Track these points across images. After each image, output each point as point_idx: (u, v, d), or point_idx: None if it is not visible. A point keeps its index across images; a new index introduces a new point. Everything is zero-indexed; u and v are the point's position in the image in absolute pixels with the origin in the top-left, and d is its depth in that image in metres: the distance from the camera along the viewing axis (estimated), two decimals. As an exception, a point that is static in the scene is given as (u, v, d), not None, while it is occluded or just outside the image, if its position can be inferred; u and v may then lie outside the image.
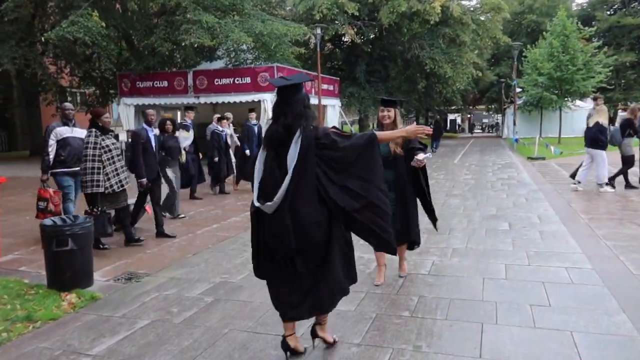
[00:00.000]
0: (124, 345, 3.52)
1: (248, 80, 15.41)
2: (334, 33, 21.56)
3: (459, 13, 22.06)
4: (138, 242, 6.33)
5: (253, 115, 11.17)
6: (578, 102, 29.01)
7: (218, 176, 10.57)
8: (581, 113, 31.07)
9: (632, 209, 7.97)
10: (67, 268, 4.66)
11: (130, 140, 6.86)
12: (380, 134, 3.00)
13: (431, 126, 28.52)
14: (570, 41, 25.25)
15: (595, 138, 9.38)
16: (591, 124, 9.54)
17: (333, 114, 19.70)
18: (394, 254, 3.26)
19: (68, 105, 6.61)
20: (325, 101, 18.63)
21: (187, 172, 9.30)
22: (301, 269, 2.92)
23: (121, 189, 6.00)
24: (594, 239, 6.09)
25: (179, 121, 11.56)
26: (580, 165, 10.10)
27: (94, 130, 5.86)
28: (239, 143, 11.09)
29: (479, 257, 5.40)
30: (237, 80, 15.54)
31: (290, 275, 2.98)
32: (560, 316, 3.73)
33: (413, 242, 4.59)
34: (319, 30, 17.21)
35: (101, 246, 6.03)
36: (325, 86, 19.26)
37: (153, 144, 6.75)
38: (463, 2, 25.22)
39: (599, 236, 6.18)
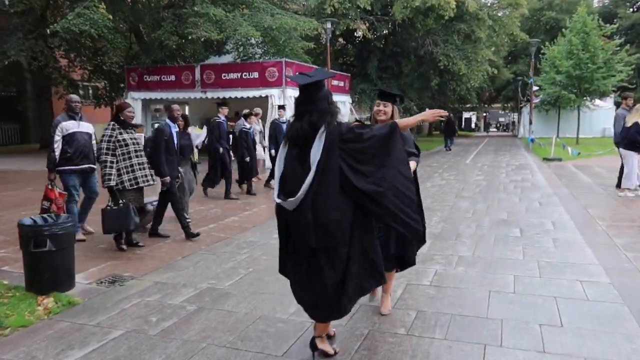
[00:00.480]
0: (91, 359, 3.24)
1: (256, 75, 15.11)
2: (345, 28, 21.10)
3: (475, 8, 21.47)
4: (137, 246, 5.98)
5: (282, 112, 10.74)
6: (597, 102, 28.22)
7: (249, 176, 10.01)
8: (600, 113, 30.34)
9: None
10: (45, 270, 4.40)
11: (152, 136, 6.50)
12: (400, 121, 2.99)
13: (443, 125, 28.04)
14: (590, 38, 24.52)
15: (634, 139, 8.78)
16: (629, 124, 8.91)
17: (343, 110, 19.30)
18: (421, 242, 3.59)
19: (74, 97, 6.17)
20: (335, 97, 18.14)
21: (214, 170, 9.07)
22: (326, 269, 2.86)
23: (135, 186, 5.68)
24: (613, 249, 5.67)
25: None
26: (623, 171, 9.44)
27: (112, 123, 5.65)
28: (266, 144, 10.70)
29: (486, 267, 5.02)
30: (245, 75, 15.25)
31: (311, 275, 2.93)
32: (573, 339, 3.35)
33: (407, 262, 3.84)
34: (329, 25, 16.82)
35: (121, 245, 5.79)
36: (335, 82, 18.90)
37: (175, 141, 6.38)
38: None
39: (618, 246, 5.76)
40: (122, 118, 5.69)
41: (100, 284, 4.76)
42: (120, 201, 5.54)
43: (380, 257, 3.06)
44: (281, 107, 11.12)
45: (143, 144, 6.59)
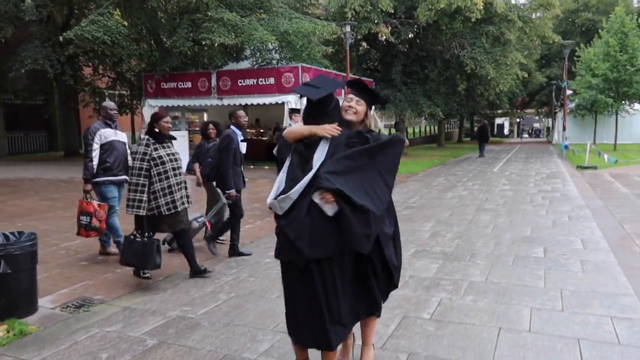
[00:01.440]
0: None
1: (272, 81, 14.69)
2: (367, 32, 20.49)
3: (504, 9, 20.52)
4: (205, 273, 5.11)
5: (297, 117, 10.13)
6: (637, 106, 26.69)
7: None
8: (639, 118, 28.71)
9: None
10: (0, 294, 3.98)
11: (220, 144, 5.79)
12: (288, 130, 2.74)
13: (477, 131, 27.05)
14: (629, 39, 23.21)
15: None
16: None
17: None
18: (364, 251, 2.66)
19: (111, 104, 5.68)
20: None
21: None
22: (317, 283, 2.56)
23: (174, 210, 4.79)
24: (651, 274, 4.89)
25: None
26: None
27: (146, 137, 4.83)
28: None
29: (499, 296, 4.34)
30: (261, 81, 14.84)
31: (304, 291, 2.62)
32: (597, 401, 2.68)
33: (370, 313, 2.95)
34: (348, 29, 16.25)
35: (142, 274, 5.02)
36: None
37: (242, 151, 5.91)
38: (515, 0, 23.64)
39: (658, 271, 4.98)
40: (157, 130, 4.83)
41: (65, 309, 4.31)
42: (147, 234, 4.79)
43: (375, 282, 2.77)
44: (295, 110, 10.55)
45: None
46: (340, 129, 2.60)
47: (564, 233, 6.75)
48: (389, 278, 2.82)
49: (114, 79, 21.21)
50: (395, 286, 2.93)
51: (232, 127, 5.87)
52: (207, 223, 6.05)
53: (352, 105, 2.72)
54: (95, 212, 5.41)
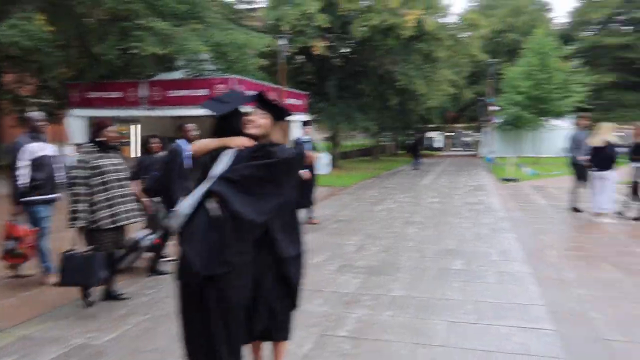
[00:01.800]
0: None
1: (205, 92, 14.37)
2: (303, 45, 20.65)
3: (434, 28, 21.35)
4: (118, 298, 4.73)
5: (309, 129, 9.85)
6: (556, 122, 28.54)
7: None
8: (560, 133, 30.67)
9: (615, 242, 7.06)
10: None
11: (165, 157, 5.31)
12: (199, 143, 2.70)
13: (410, 144, 27.84)
14: (548, 59, 24.81)
15: (610, 158, 8.37)
16: (599, 144, 8.45)
17: (300, 131, 18.69)
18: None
19: (38, 115, 5.16)
20: (291, 117, 17.71)
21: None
22: (211, 304, 2.43)
23: (115, 225, 4.43)
24: (562, 285, 5.11)
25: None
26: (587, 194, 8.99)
27: (88, 144, 4.51)
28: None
29: (419, 311, 4.37)
30: (193, 92, 14.48)
31: (198, 315, 2.48)
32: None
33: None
34: (283, 41, 16.27)
35: (87, 296, 4.54)
36: (291, 101, 18.34)
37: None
38: (443, 19, 24.58)
39: (568, 281, 5.22)
40: (101, 139, 4.48)
41: (-46, 340, 3.90)
42: (89, 247, 4.36)
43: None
44: (306, 122, 10.20)
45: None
46: (252, 142, 2.57)
47: (485, 245, 6.98)
48: (290, 299, 2.74)
49: (39, 87, 19.98)
50: (295, 307, 2.85)
51: (179, 140, 5.61)
52: (158, 241, 5.72)
53: (255, 119, 2.65)
54: (23, 238, 4.95)
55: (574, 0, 42.28)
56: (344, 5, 20.96)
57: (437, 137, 56.39)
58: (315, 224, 8.45)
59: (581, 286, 5.03)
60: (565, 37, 36.82)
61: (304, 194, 7.88)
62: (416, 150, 24.00)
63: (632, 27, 39.09)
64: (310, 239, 7.06)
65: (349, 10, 21.46)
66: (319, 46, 20.23)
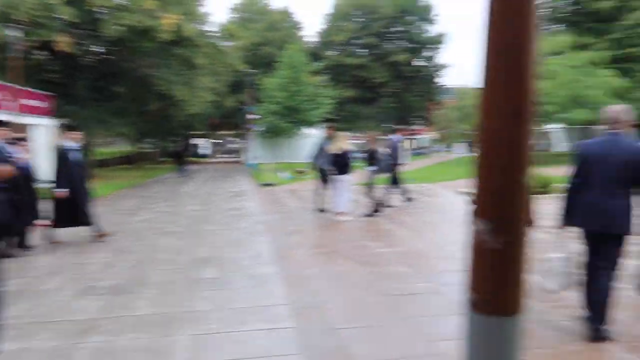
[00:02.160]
0: None
1: None
2: (45, 40, 18.12)
3: (192, 34, 21.19)
4: None
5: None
6: (310, 130, 31.46)
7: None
8: (311, 140, 33.94)
9: (350, 238, 7.96)
10: None
11: None
12: None
13: (173, 151, 27.06)
14: (299, 73, 27.15)
15: (346, 164, 9.52)
16: (336, 151, 9.54)
17: (43, 136, 16.35)
18: None
19: None
20: (31, 120, 15.36)
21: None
22: None
23: None
24: (303, 282, 5.52)
25: None
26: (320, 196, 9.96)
27: None
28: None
29: (164, 328, 4.15)
30: None
31: None
32: None
33: None
34: (14, 32, 13.98)
35: None
36: (32, 102, 15.94)
37: None
38: (202, 26, 24.53)
39: (309, 277, 5.66)
40: None
41: None
42: None
43: None
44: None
45: None
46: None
47: (239, 250, 7.13)
48: None
49: None
50: None
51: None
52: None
53: None
54: None
55: (322, 22, 47.24)
56: (93, 1, 19.19)
57: (203, 144, 56.28)
58: (106, 235, 7.85)
59: (320, 281, 5.51)
60: (314, 54, 40.98)
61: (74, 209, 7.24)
62: (181, 157, 23.58)
63: (367, 50, 45.75)
64: (43, 262, 6.14)
65: (99, 7, 19.74)
66: (63, 42, 18.03)
